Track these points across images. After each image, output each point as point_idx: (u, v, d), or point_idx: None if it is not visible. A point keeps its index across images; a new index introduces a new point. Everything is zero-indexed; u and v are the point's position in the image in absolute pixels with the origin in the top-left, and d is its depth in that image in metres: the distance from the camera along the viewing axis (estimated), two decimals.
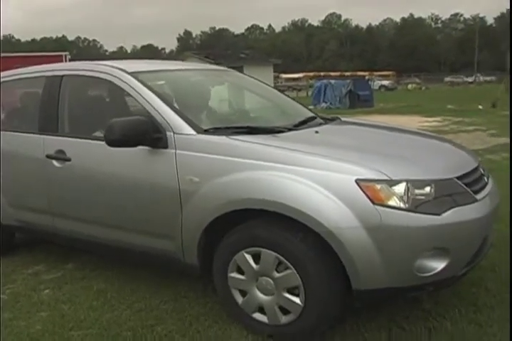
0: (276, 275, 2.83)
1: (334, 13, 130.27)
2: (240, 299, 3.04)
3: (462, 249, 2.74)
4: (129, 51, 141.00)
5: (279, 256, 2.78)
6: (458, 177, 2.84)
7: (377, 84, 50.58)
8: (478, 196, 2.88)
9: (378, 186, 2.60)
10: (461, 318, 3.14)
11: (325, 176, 2.66)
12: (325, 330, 2.89)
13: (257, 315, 2.99)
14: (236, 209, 2.87)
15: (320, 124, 3.76)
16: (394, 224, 2.56)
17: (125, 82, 3.46)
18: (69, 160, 3.66)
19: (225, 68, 4.88)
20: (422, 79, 62.45)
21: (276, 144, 2.94)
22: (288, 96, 4.73)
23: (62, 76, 3.90)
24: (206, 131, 3.16)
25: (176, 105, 3.35)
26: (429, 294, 3.34)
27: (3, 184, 4.28)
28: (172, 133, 3.15)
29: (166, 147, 3.15)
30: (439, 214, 2.62)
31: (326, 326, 2.84)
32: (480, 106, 21.18)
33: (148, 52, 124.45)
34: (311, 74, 59.74)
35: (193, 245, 3.10)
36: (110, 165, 3.45)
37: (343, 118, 4.19)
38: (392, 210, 2.57)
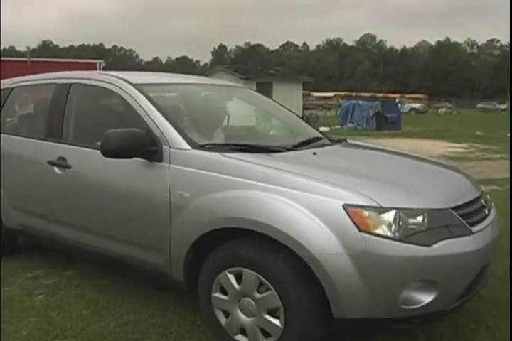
0: (258, 296, 2.78)
1: (369, 33, 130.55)
2: (223, 320, 2.99)
3: (452, 283, 2.64)
4: (163, 62, 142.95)
5: (259, 276, 2.73)
6: (454, 208, 2.75)
7: (407, 106, 50.36)
8: (475, 228, 2.79)
9: (366, 213, 2.54)
10: None
11: (312, 199, 2.61)
12: None
13: (240, 337, 2.92)
14: (222, 228, 2.84)
15: (322, 145, 3.71)
16: (379, 253, 2.48)
17: (127, 93, 3.49)
18: (69, 167, 3.69)
19: (237, 84, 4.89)
20: (453, 103, 61.84)
21: (269, 164, 2.90)
22: (303, 116, 4.71)
23: (71, 84, 3.96)
24: (202, 147, 3.15)
25: (175, 119, 3.35)
26: (423, 328, 3.25)
27: (8, 186, 4.34)
28: (168, 147, 3.15)
29: (160, 160, 3.15)
30: (428, 245, 2.54)
31: None
32: (509, 134, 20.82)
33: (183, 64, 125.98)
34: (343, 93, 59.84)
35: (180, 260, 3.08)
36: (106, 175, 3.47)
37: (349, 141, 4.14)
38: (379, 238, 2.50)
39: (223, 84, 4.80)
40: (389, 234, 2.52)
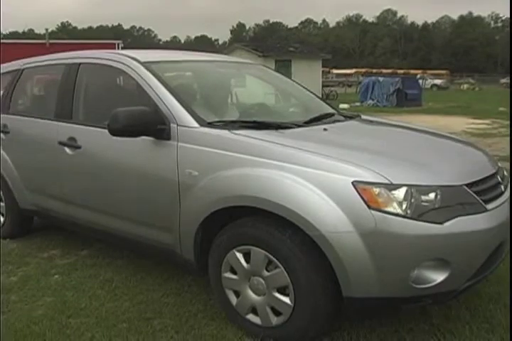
0: (266, 274, 2.75)
1: (390, 9, 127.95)
2: (234, 300, 2.97)
3: (465, 261, 2.57)
4: (182, 41, 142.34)
5: (268, 254, 2.70)
6: (468, 185, 2.67)
7: (429, 82, 49.49)
8: (490, 205, 2.70)
9: (376, 190, 2.47)
10: (472, 337, 2.93)
11: (321, 176, 2.55)
12: (318, 335, 2.79)
13: (251, 317, 2.91)
14: (229, 206, 2.80)
15: (334, 121, 3.63)
16: (389, 231, 2.42)
17: (136, 72, 3.44)
18: (79, 147, 3.68)
19: (249, 61, 4.79)
20: (476, 79, 60.53)
21: (277, 140, 2.84)
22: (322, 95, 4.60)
23: (80, 64, 3.92)
24: (210, 124, 3.10)
25: (183, 96, 3.29)
26: (439, 307, 3.19)
27: (22, 168, 4.36)
28: (176, 125, 3.11)
29: (168, 139, 3.11)
30: (441, 223, 2.47)
31: (318, 330, 2.73)
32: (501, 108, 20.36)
33: (202, 43, 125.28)
34: (363, 70, 59.04)
35: (190, 240, 3.06)
36: (115, 154, 3.46)
37: (363, 116, 4.04)
38: (389, 216, 2.43)
39: (235, 61, 4.72)
40: (400, 211, 2.45)
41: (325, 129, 3.26)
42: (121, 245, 4.01)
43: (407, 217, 2.45)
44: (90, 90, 3.96)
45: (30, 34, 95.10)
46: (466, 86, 51.36)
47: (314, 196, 2.52)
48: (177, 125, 3.11)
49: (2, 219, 4.79)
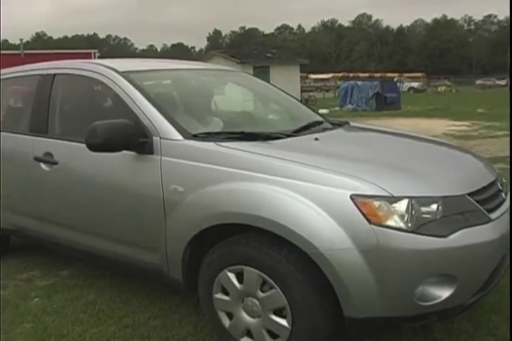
0: (261, 295, 2.58)
1: (365, 13, 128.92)
2: (227, 322, 2.79)
3: (471, 276, 2.44)
4: (159, 49, 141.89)
5: (262, 274, 2.53)
6: (470, 194, 2.53)
7: (406, 85, 49.91)
8: (493, 215, 2.57)
9: (376, 203, 2.32)
10: None
11: (316, 190, 2.39)
12: None
13: (245, 340, 2.73)
14: (219, 224, 2.63)
15: (324, 130, 3.48)
16: (392, 247, 2.27)
17: (114, 82, 3.26)
18: (56, 163, 3.48)
19: (231, 68, 4.65)
20: (452, 81, 61.18)
21: (267, 152, 2.68)
22: (302, 99, 4.46)
23: (55, 74, 3.72)
24: (195, 137, 2.92)
25: (165, 107, 3.11)
26: (441, 320, 3.05)
27: None
28: (158, 138, 2.93)
29: (151, 153, 2.93)
30: (445, 236, 2.33)
31: None
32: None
33: (179, 50, 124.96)
34: (340, 74, 59.31)
35: (177, 259, 2.88)
36: (94, 170, 3.26)
37: (352, 123, 3.91)
38: (392, 231, 2.29)
39: (217, 68, 4.56)
40: (402, 225, 2.31)
41: (316, 139, 3.11)
42: (104, 265, 3.81)
43: (410, 231, 2.31)
44: (66, 102, 3.76)
45: (4, 44, 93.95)
46: (443, 88, 51.90)
47: (310, 211, 2.36)
48: (160, 138, 2.93)
49: None
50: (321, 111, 22.46)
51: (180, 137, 2.91)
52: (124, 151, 2.97)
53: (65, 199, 3.54)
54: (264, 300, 2.58)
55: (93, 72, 3.43)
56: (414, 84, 52.33)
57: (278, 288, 2.49)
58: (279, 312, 2.55)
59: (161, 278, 3.08)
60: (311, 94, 35.27)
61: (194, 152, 2.82)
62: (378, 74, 56.02)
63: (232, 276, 2.67)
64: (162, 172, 2.87)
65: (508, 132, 13.13)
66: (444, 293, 2.37)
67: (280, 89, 4.43)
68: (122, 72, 3.34)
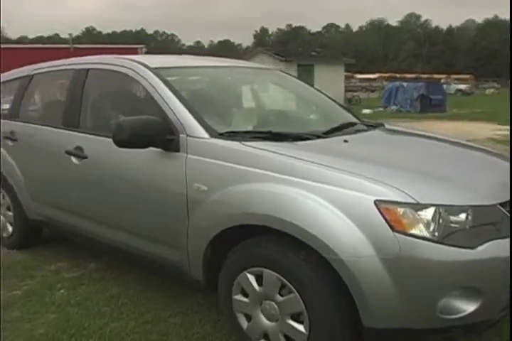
0: (280, 298, 2.52)
1: (413, 13, 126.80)
2: (245, 324, 2.74)
3: (498, 290, 2.32)
4: (206, 46, 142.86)
5: (281, 277, 2.47)
6: (503, 204, 2.41)
7: (453, 87, 48.83)
8: None
9: (401, 210, 2.23)
10: None
11: (340, 194, 2.32)
12: None
13: None
14: (240, 224, 2.58)
15: (356, 132, 3.39)
16: (415, 256, 2.18)
17: (144, 78, 3.25)
18: (86, 157, 3.50)
19: (266, 66, 4.58)
20: (501, 84, 59.47)
21: (292, 154, 2.61)
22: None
23: (88, 69, 3.75)
24: (221, 135, 2.88)
25: (194, 105, 3.08)
26: (467, 335, 2.92)
27: (29, 177, 4.21)
28: (185, 136, 2.90)
29: (177, 150, 2.91)
30: (472, 248, 2.22)
31: None
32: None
33: (225, 47, 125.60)
34: (386, 75, 58.63)
35: (198, 258, 2.85)
36: (121, 166, 3.27)
37: (387, 126, 3.80)
38: (416, 240, 2.19)
39: (251, 66, 4.51)
40: (427, 234, 2.21)
41: (345, 141, 3.02)
42: (127, 259, 3.82)
43: (435, 241, 2.20)
44: (98, 97, 3.79)
45: (55, 38, 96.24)
46: (491, 90, 50.51)
47: (332, 216, 2.29)
48: (186, 135, 2.91)
49: (11, 229, 4.64)
50: (364, 111, 22.27)
51: (206, 135, 2.88)
52: (151, 148, 2.96)
53: (92, 193, 3.56)
54: (282, 304, 2.53)
55: (125, 67, 3.43)
56: (462, 87, 51.11)
57: (296, 293, 2.43)
58: (297, 317, 2.49)
59: (182, 276, 3.06)
60: (355, 94, 34.92)
61: (219, 151, 2.78)
62: (425, 76, 55.07)
63: (251, 278, 2.63)
64: (187, 170, 2.84)
65: None
66: (469, 307, 2.26)
67: (316, 89, 4.35)
68: (153, 68, 3.33)
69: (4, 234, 4.71)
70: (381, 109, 25.92)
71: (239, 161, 2.67)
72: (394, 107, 25.61)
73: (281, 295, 2.52)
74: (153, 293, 3.67)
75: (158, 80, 3.19)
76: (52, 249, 4.66)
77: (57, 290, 3.78)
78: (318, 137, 3.07)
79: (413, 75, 56.46)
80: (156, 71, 3.29)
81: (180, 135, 2.92)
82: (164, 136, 2.92)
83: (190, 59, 4.34)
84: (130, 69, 3.38)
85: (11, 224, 4.61)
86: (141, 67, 3.34)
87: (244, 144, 2.76)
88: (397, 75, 56.51)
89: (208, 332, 3.11)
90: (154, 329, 3.17)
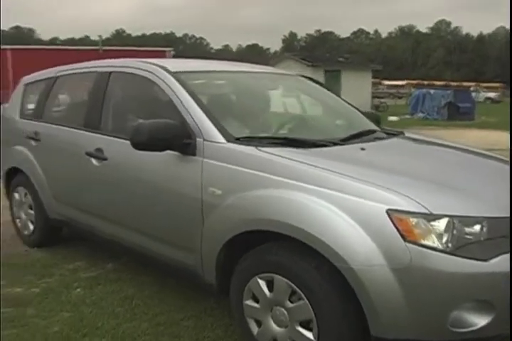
0: (290, 305, 2.52)
1: (444, 20, 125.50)
2: (255, 329, 2.74)
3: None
4: (234, 50, 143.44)
5: (291, 283, 2.47)
6: None
7: (482, 95, 48.23)
8: None
9: (413, 220, 2.21)
10: None
11: (352, 202, 2.31)
12: None
13: None
14: (252, 230, 2.59)
15: (375, 139, 3.37)
16: (426, 267, 2.16)
17: (164, 82, 3.28)
18: (106, 159, 3.55)
19: (288, 72, 4.58)
20: None
21: (307, 160, 2.61)
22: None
23: (110, 72, 3.80)
24: (237, 140, 2.90)
25: (211, 109, 3.11)
26: None
27: (51, 177, 4.28)
28: (202, 140, 2.93)
29: (194, 154, 2.93)
30: (485, 260, 2.19)
31: None
32: None
33: (253, 51, 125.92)
34: (415, 82, 58.11)
35: (212, 262, 2.86)
36: (138, 168, 3.31)
37: (407, 134, 3.76)
38: (427, 250, 2.17)
39: (272, 71, 4.51)
40: (439, 245, 2.19)
41: (362, 149, 3.01)
42: (145, 261, 3.85)
43: (448, 252, 2.18)
44: (119, 100, 3.84)
45: (85, 40, 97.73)
46: None
47: (344, 224, 2.28)
48: (203, 140, 2.93)
49: (32, 227, 4.72)
50: (390, 118, 22.09)
51: (223, 140, 2.89)
52: (168, 151, 2.99)
53: (111, 195, 3.60)
54: (291, 311, 2.52)
55: (146, 71, 3.47)
56: (491, 95, 50.43)
57: (306, 300, 2.43)
58: (306, 325, 2.48)
59: (196, 279, 3.08)
60: (382, 100, 34.67)
61: (234, 155, 2.80)
62: (454, 83, 54.45)
63: (262, 284, 2.63)
64: (203, 174, 2.86)
65: None
66: (480, 321, 2.23)
67: (337, 95, 4.34)
68: (174, 72, 3.36)
69: (25, 232, 4.79)
70: (408, 116, 25.71)
71: (253, 166, 2.67)
72: (421, 114, 25.39)
73: (291, 302, 2.51)
74: (168, 295, 3.70)
75: (177, 84, 3.22)
76: (71, 248, 4.73)
77: (74, 289, 3.83)
78: (335, 144, 3.06)
79: (442, 82, 55.86)
80: (176, 75, 3.32)
81: (197, 139, 2.94)
82: (181, 140, 2.94)
83: (211, 63, 4.37)
84: (151, 72, 3.42)
85: (32, 223, 4.69)
86: (162, 70, 3.38)
87: (259, 149, 2.77)
88: (426, 82, 55.99)
89: (219, 336, 3.12)
90: (166, 331, 3.19)
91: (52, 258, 4.48)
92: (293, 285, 2.46)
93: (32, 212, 4.65)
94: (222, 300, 3.43)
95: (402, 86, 57.14)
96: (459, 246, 2.20)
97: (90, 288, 3.84)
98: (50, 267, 4.28)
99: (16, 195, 4.83)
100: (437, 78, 69.83)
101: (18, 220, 4.89)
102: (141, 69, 3.52)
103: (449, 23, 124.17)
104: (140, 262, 4.09)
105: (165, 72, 3.35)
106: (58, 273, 4.17)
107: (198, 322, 3.30)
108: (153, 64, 3.51)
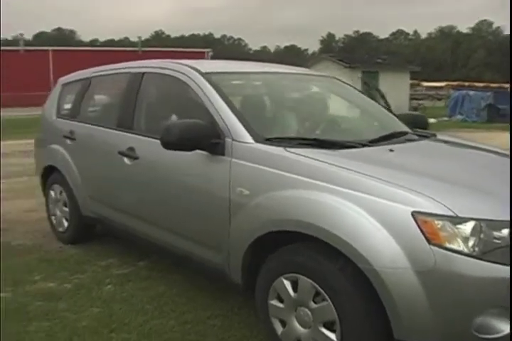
0: (313, 306, 2.52)
1: (485, 20, 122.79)
2: (279, 329, 2.75)
3: None
4: (272, 51, 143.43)
5: (315, 284, 2.47)
6: None
7: None
8: None
9: (439, 223, 2.18)
10: None
11: (378, 204, 2.30)
12: None
13: None
14: (278, 230, 2.60)
15: (405, 141, 3.34)
16: (451, 271, 2.13)
17: (195, 82, 3.33)
18: (137, 158, 3.61)
19: (321, 73, 4.58)
20: None
21: (334, 162, 2.61)
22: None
23: (144, 73, 3.87)
24: (266, 141, 2.91)
25: (242, 110, 3.14)
26: None
27: (85, 175, 4.38)
28: (231, 140, 2.95)
29: (223, 154, 2.96)
30: None
31: None
32: None
33: (291, 52, 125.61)
34: (455, 83, 56.94)
35: (238, 262, 2.89)
36: (168, 167, 3.37)
37: (439, 136, 3.71)
38: (452, 254, 2.14)
39: (304, 72, 4.51)
40: (465, 249, 2.16)
41: (391, 150, 2.99)
42: (175, 260, 3.91)
43: (473, 256, 2.15)
44: (151, 100, 3.91)
45: (125, 42, 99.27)
46: None
47: (369, 226, 2.27)
48: (232, 140, 2.96)
49: (66, 224, 4.84)
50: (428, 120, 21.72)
51: (251, 140, 2.92)
52: (197, 150, 3.02)
53: (142, 193, 3.67)
54: (315, 311, 2.52)
55: (178, 71, 3.52)
56: None
57: (329, 301, 2.42)
58: (330, 326, 2.48)
59: (223, 278, 3.11)
60: (420, 102, 34.13)
61: (262, 156, 2.82)
62: (496, 85, 53.24)
63: (287, 284, 2.64)
64: (231, 174, 2.89)
65: None
66: (506, 327, 2.19)
67: (369, 97, 4.32)
68: (204, 73, 3.40)
69: (60, 229, 4.92)
70: (446, 118, 25.24)
71: (280, 167, 2.69)
72: (459, 116, 24.88)
73: (315, 303, 2.52)
74: (196, 293, 3.74)
75: (207, 85, 3.26)
76: (105, 245, 4.83)
77: (105, 286, 3.91)
78: (364, 145, 3.05)
79: (482, 84, 54.65)
80: (206, 76, 3.36)
81: (226, 139, 2.97)
82: (210, 140, 2.98)
83: (243, 64, 4.40)
84: (182, 73, 3.47)
85: (67, 220, 4.80)
86: (193, 71, 3.43)
87: (288, 150, 2.78)
88: (466, 84, 54.84)
89: (245, 336, 3.14)
90: (193, 329, 3.22)
91: (85, 255, 4.58)
92: (317, 285, 2.47)
93: (67, 209, 4.76)
94: (249, 299, 3.46)
95: (441, 87, 56.08)
96: (487, 251, 2.17)
97: (121, 285, 3.91)
98: (83, 263, 4.38)
99: (52, 193, 4.96)
100: (477, 79, 68.35)
101: (53, 217, 5.02)
102: (173, 70, 3.58)
103: (490, 23, 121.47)
104: (171, 260, 4.15)
105: (196, 73, 3.40)
106: (91, 269, 4.26)
107: (225, 321, 3.32)
108: (185, 65, 3.56)
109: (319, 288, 2.46)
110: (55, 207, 4.95)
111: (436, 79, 64.50)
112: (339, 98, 4.31)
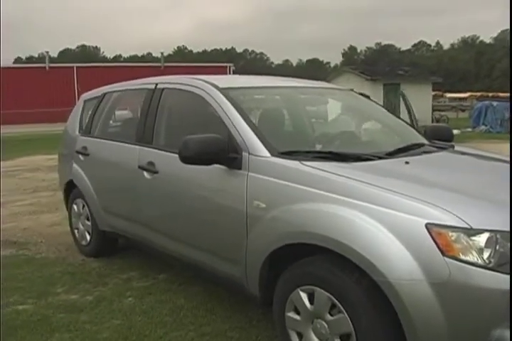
0: (330, 318, 2.53)
1: (508, 29, 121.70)
2: None
3: None
4: (294, 64, 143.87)
5: (331, 297, 2.48)
6: None
7: None
8: None
9: (453, 234, 2.18)
10: None
11: (391, 216, 2.31)
12: None
13: None
14: (294, 243, 2.62)
15: (422, 153, 3.35)
16: (466, 283, 2.12)
17: (213, 98, 3.39)
18: (157, 172, 3.67)
19: (338, 87, 4.60)
20: None
21: (348, 174, 2.63)
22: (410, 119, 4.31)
23: (163, 89, 3.94)
24: (282, 154, 2.95)
25: (259, 124, 3.19)
26: None
27: (100, 190, 4.46)
28: (247, 154, 3.00)
29: (240, 168, 3.01)
30: None
31: None
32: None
33: (313, 66, 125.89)
34: (478, 94, 56.40)
35: (255, 274, 2.92)
36: (187, 181, 3.42)
37: (456, 148, 3.71)
38: (467, 266, 2.14)
39: (321, 86, 4.55)
40: (480, 261, 2.15)
41: (407, 162, 3.00)
42: (194, 273, 3.94)
43: (489, 268, 2.14)
44: (170, 115, 3.97)
45: (148, 57, 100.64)
46: None
47: (383, 238, 2.28)
48: (249, 154, 3.00)
49: (88, 238, 4.92)
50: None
51: (267, 154, 2.95)
52: (215, 165, 3.07)
53: (160, 207, 3.72)
54: (331, 324, 2.53)
55: (196, 87, 3.59)
56: None
57: (345, 313, 2.43)
58: (346, 338, 2.48)
59: (242, 290, 3.13)
60: (442, 113, 33.90)
61: (278, 169, 2.85)
62: None
63: (304, 296, 2.65)
64: (248, 187, 2.93)
65: None
66: None
67: (386, 109, 4.33)
68: (222, 88, 3.46)
69: (83, 242, 5.00)
70: (469, 129, 25.01)
71: (297, 180, 2.72)
72: (483, 127, 24.63)
73: (331, 315, 2.53)
74: (215, 305, 3.76)
75: (225, 100, 3.32)
76: (126, 259, 4.90)
77: (126, 298, 3.97)
78: (380, 158, 3.06)
79: (506, 94, 54.05)
80: (224, 91, 3.42)
81: (243, 153, 3.02)
82: (228, 154, 3.02)
83: (261, 79, 4.44)
84: (200, 88, 3.54)
85: (89, 233, 4.88)
86: (211, 87, 3.49)
87: (303, 163, 2.81)
88: (490, 94, 54.27)
89: None
90: None
91: (107, 268, 4.65)
92: (333, 298, 2.48)
93: (89, 223, 4.84)
94: (268, 312, 3.47)
95: (464, 98, 55.66)
96: (502, 263, 2.16)
97: (141, 298, 3.96)
98: (104, 276, 4.45)
99: (75, 207, 5.06)
100: (501, 90, 67.59)
101: (76, 231, 5.12)
102: (191, 85, 3.65)
103: None
104: (190, 273, 4.18)
105: (214, 88, 3.46)
106: (112, 282, 4.32)
107: (243, 334, 3.34)
108: (203, 80, 3.63)
109: (335, 301, 2.47)
110: (78, 220, 5.04)
111: (460, 89, 64.00)
112: (357, 111, 4.33)
